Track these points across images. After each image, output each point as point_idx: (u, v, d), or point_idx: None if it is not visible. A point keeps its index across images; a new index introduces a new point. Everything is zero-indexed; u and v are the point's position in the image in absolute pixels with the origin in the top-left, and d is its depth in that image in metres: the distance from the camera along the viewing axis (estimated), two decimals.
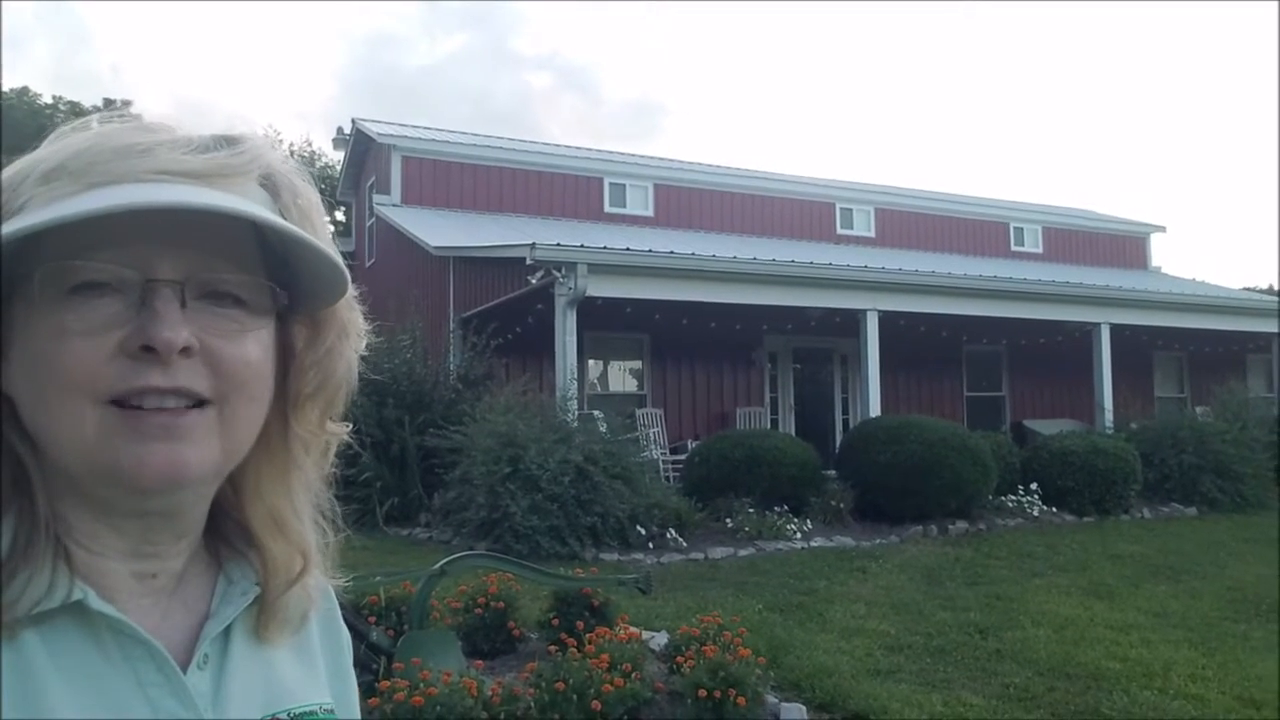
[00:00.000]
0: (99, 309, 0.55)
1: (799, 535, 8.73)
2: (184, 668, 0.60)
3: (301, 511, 0.68)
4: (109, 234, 0.55)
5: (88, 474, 0.57)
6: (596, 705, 3.33)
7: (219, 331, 0.58)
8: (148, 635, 0.58)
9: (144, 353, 0.55)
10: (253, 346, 0.60)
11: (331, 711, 0.68)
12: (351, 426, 0.71)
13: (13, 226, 0.53)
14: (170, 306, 0.56)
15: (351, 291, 0.66)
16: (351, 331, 0.68)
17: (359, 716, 0.75)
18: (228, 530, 0.67)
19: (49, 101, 30.40)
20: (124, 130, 0.59)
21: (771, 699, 3.97)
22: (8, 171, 0.58)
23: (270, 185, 0.62)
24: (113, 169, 0.56)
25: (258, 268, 0.61)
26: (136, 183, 0.55)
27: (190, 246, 0.57)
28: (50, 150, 0.58)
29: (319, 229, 0.64)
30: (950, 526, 9.40)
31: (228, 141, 0.61)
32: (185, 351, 0.56)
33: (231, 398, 0.59)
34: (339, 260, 0.61)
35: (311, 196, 0.64)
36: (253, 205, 0.58)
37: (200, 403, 0.57)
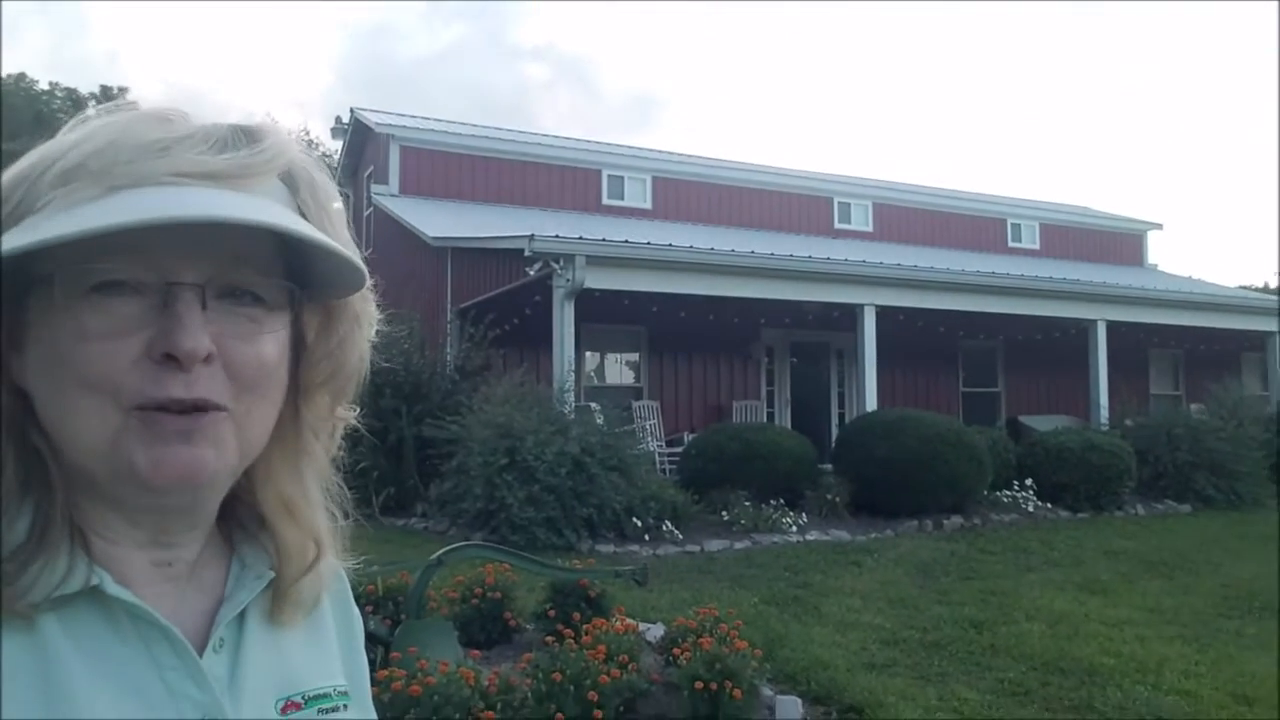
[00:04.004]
0: (119, 310, 0.55)
1: (794, 529, 8.76)
2: (200, 651, 0.60)
3: (313, 497, 0.69)
4: (129, 238, 0.54)
5: (104, 473, 0.57)
6: (593, 696, 3.34)
7: (237, 333, 0.58)
8: (164, 620, 0.58)
9: (167, 360, 0.55)
10: (269, 346, 0.60)
11: (345, 693, 0.69)
12: (355, 413, 0.72)
13: (33, 236, 0.52)
14: (192, 310, 0.56)
15: (368, 283, 0.66)
16: (365, 321, 0.68)
17: (370, 697, 0.75)
18: (241, 515, 0.68)
19: (45, 88, 30.26)
20: (143, 123, 0.58)
21: (767, 691, 3.99)
22: (22, 164, 0.57)
23: (290, 180, 0.62)
24: (133, 170, 0.55)
25: (276, 268, 0.61)
26: (156, 186, 0.55)
27: (210, 251, 0.57)
28: (68, 142, 0.57)
29: (336, 223, 0.64)
30: (945, 521, 9.42)
31: (247, 135, 0.60)
32: (206, 359, 0.56)
33: (246, 400, 0.59)
34: (358, 261, 0.61)
35: (330, 190, 0.64)
36: (273, 209, 0.57)
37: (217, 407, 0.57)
